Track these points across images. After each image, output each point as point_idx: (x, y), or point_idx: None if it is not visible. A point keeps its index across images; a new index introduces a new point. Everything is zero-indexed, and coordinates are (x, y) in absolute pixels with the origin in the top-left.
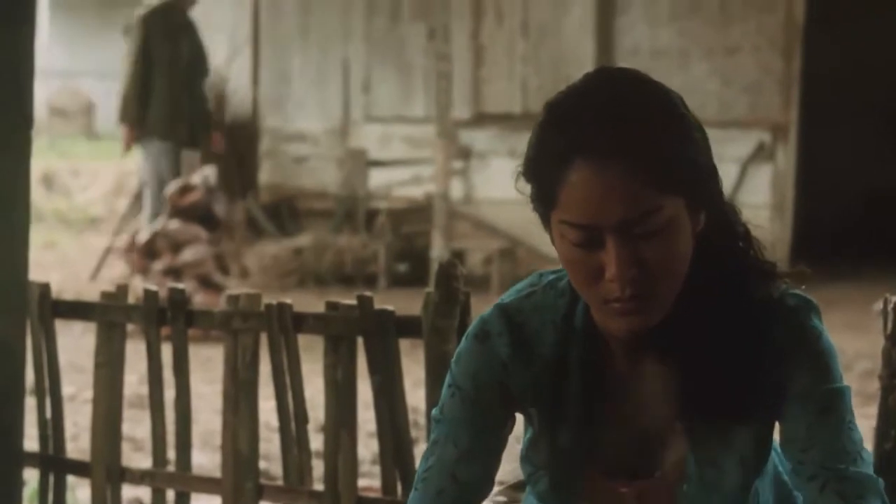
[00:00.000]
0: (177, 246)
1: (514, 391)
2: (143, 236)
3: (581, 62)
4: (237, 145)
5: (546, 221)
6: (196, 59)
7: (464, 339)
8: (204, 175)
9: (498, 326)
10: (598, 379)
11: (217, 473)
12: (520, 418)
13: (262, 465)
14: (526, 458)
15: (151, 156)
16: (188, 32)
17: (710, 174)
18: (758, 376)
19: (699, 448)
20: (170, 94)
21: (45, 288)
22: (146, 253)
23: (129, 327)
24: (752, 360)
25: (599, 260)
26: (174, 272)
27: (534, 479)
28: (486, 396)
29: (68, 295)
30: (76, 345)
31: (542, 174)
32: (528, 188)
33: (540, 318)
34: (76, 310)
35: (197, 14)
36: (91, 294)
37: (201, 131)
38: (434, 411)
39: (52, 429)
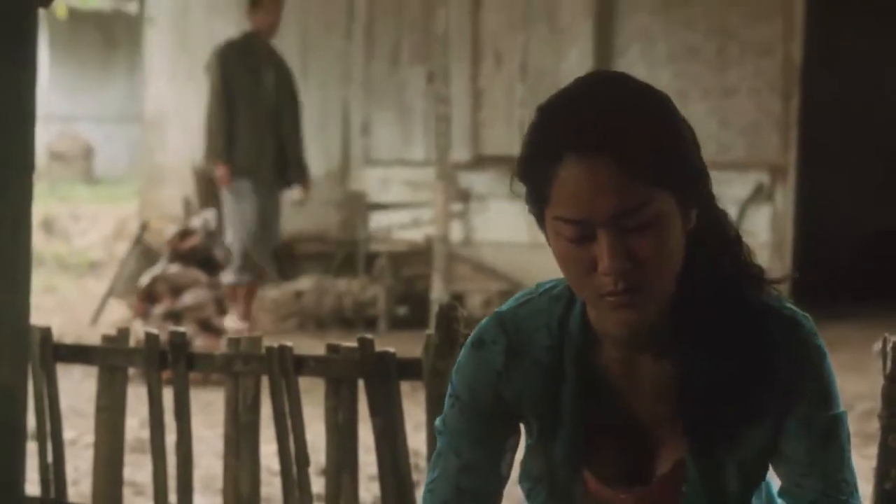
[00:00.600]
0: (177, 290)
1: (510, 399)
2: (230, 278)
3: None
4: None
5: (541, 220)
6: (283, 92)
7: (463, 348)
8: (204, 219)
9: (493, 334)
10: (594, 381)
11: None
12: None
13: None
14: (524, 473)
15: (235, 196)
16: (272, 62)
17: (701, 173)
18: (757, 380)
19: (698, 451)
20: (254, 131)
21: (46, 332)
22: (146, 297)
23: (130, 371)
24: (751, 363)
25: (592, 254)
26: (174, 316)
27: (533, 494)
28: (484, 405)
29: (69, 339)
30: (76, 389)
31: (534, 173)
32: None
33: (535, 324)
34: (78, 354)
35: (194, 58)
36: (91, 338)
37: (293, 170)
38: (437, 422)
39: (54, 473)
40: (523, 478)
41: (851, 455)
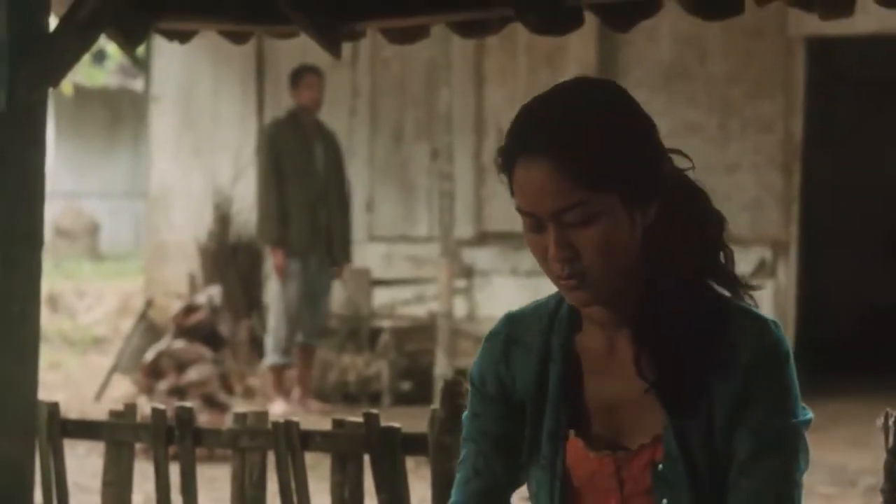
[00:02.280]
0: (181, 365)
1: (508, 383)
2: (273, 359)
3: None
4: (241, 265)
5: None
6: (332, 168)
7: None
8: (209, 295)
9: (498, 328)
10: (579, 361)
11: None
12: None
13: None
14: (525, 469)
15: (283, 277)
16: (321, 138)
17: (652, 174)
18: (716, 368)
19: (675, 425)
20: (306, 211)
21: (53, 407)
22: (151, 372)
23: (136, 447)
24: (710, 352)
25: (546, 242)
26: (179, 392)
27: (532, 488)
28: (490, 391)
29: (73, 415)
30: (80, 465)
31: (503, 169)
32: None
33: (533, 316)
34: (85, 429)
35: (199, 135)
36: (96, 414)
37: (338, 248)
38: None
39: None
40: (526, 477)
41: (801, 472)
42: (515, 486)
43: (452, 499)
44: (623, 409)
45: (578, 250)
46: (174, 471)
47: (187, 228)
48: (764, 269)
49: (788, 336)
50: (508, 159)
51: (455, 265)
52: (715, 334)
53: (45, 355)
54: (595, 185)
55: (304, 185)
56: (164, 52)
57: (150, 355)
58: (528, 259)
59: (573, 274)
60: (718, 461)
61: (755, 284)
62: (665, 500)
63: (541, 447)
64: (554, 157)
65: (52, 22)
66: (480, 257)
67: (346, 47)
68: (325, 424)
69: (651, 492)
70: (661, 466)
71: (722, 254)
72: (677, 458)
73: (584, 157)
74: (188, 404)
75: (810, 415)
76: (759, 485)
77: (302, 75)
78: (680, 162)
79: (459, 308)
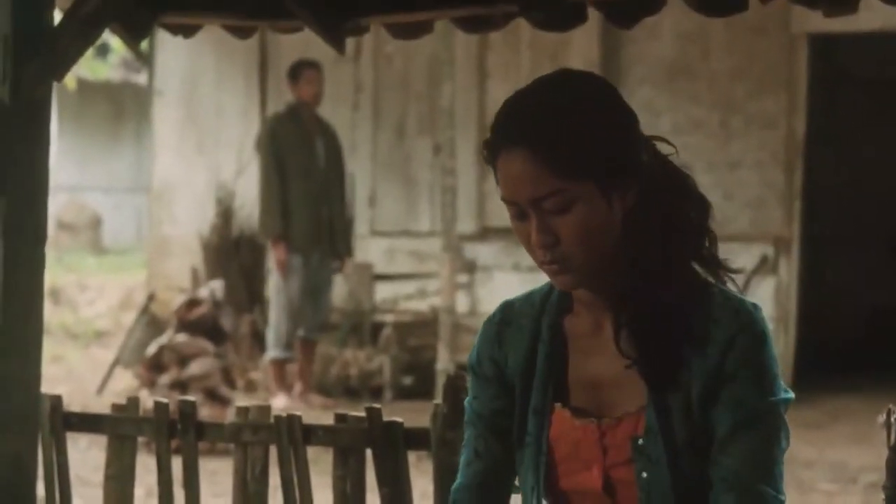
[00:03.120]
0: (183, 359)
1: (502, 364)
2: (274, 354)
3: None
4: (244, 259)
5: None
6: (333, 162)
7: None
8: (211, 289)
9: (496, 312)
10: (567, 341)
11: None
12: None
13: None
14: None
15: (284, 272)
16: (321, 132)
17: (629, 162)
18: (695, 345)
19: (656, 400)
20: (308, 206)
21: (56, 400)
22: (153, 366)
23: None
24: (689, 330)
25: (530, 229)
26: (181, 385)
27: (519, 469)
28: (486, 373)
29: (75, 408)
30: (82, 458)
31: (489, 160)
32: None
33: (527, 300)
34: (87, 422)
35: (202, 129)
36: (97, 407)
37: (341, 243)
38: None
39: None
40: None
41: (782, 450)
42: (500, 472)
43: (457, 481)
44: (608, 384)
45: (559, 236)
46: (176, 464)
47: (190, 222)
48: (766, 265)
49: (790, 333)
50: (492, 151)
51: (457, 260)
52: (694, 313)
53: (47, 349)
54: (571, 173)
55: (305, 180)
56: (168, 47)
57: (152, 349)
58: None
59: (555, 259)
60: (697, 438)
61: (737, 268)
62: (644, 474)
63: (527, 424)
64: (530, 147)
65: (57, 16)
66: (482, 252)
67: (350, 42)
68: (327, 419)
69: (631, 463)
70: (641, 441)
71: (706, 238)
72: (657, 433)
73: (560, 147)
74: (191, 398)
75: (791, 395)
76: (739, 463)
77: (301, 70)
78: (665, 149)
79: (461, 303)
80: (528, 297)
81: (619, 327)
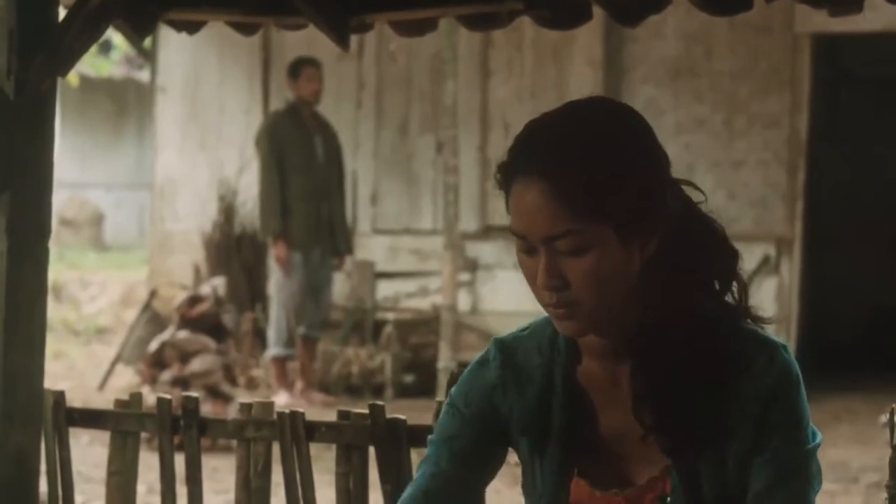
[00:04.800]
0: (185, 356)
1: (504, 412)
2: (275, 351)
3: None
4: (245, 256)
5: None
6: (332, 160)
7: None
8: (213, 286)
9: (492, 353)
10: (580, 393)
11: None
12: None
13: None
14: (524, 489)
15: (285, 270)
16: (320, 130)
17: (653, 208)
18: (726, 399)
19: (678, 460)
20: (307, 203)
21: (59, 396)
22: (154, 363)
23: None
24: (719, 382)
25: (536, 266)
26: (182, 382)
27: None
28: (476, 412)
29: (76, 404)
30: (84, 455)
31: (501, 185)
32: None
33: (530, 344)
34: (90, 418)
35: (205, 126)
36: (99, 403)
37: (340, 240)
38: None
39: None
40: (524, 496)
41: (816, 492)
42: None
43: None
44: (629, 441)
45: (568, 280)
46: (179, 461)
47: (192, 219)
48: (768, 265)
49: (791, 333)
50: (506, 177)
51: (459, 258)
52: (723, 363)
53: (49, 345)
54: (590, 214)
55: (305, 178)
56: (171, 43)
57: (153, 346)
58: None
59: (561, 302)
60: (730, 491)
61: (767, 318)
62: None
63: (538, 482)
64: (549, 180)
65: (61, 12)
66: (484, 251)
67: (353, 40)
68: (328, 416)
69: None
70: (669, 499)
71: (733, 288)
72: (685, 494)
73: (579, 184)
74: (195, 394)
75: (820, 437)
76: None
77: (301, 68)
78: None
79: (463, 301)
80: (530, 339)
81: (637, 395)
